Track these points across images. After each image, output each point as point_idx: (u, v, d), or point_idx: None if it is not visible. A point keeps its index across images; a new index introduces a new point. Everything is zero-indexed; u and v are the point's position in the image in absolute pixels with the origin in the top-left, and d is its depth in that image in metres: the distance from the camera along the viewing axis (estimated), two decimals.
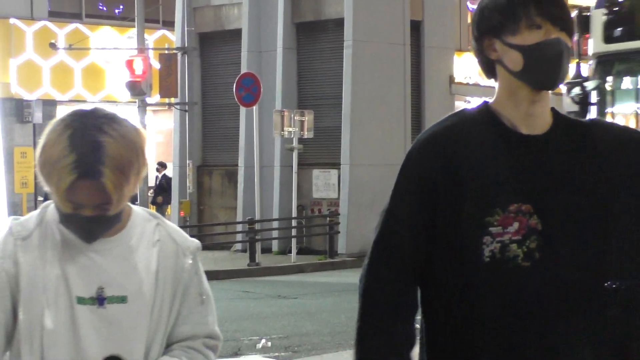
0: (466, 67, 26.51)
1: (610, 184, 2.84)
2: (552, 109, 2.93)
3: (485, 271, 2.77)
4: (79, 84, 30.40)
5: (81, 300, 2.75)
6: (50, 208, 2.84)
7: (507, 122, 2.86)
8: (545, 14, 2.80)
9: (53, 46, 27.21)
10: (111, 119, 2.74)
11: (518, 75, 2.83)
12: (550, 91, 2.88)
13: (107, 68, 30.74)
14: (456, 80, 26.51)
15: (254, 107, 23.02)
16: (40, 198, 25.30)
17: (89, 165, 2.66)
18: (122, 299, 2.77)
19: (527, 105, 2.86)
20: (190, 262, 2.88)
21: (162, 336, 2.83)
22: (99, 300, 2.76)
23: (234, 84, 23.22)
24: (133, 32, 26.72)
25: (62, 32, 30.45)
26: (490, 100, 2.93)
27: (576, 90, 11.92)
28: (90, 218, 2.72)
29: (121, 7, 32.25)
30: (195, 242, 2.94)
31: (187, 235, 2.96)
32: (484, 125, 2.87)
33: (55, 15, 30.91)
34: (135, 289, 2.79)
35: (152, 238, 2.86)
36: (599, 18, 9.95)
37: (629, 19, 9.70)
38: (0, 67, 29.62)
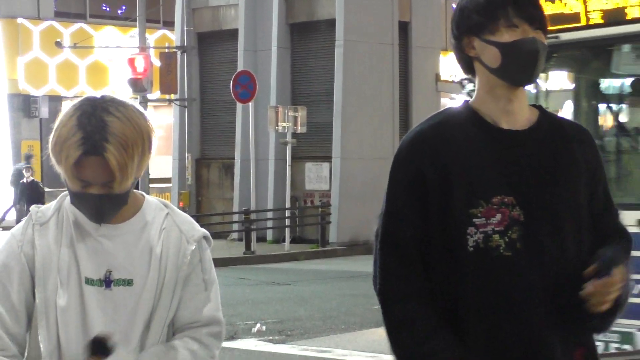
0: (452, 65, 26.49)
1: (581, 176, 2.88)
2: (539, 107, 2.95)
3: (470, 260, 2.78)
4: (84, 80, 30.34)
5: (89, 282, 2.78)
6: (67, 197, 2.87)
7: (488, 119, 2.87)
8: (522, 15, 2.81)
9: (59, 45, 27.13)
10: (118, 102, 2.78)
11: (496, 71, 2.84)
12: (526, 87, 2.90)
13: (110, 66, 30.68)
14: (442, 78, 26.49)
15: (250, 103, 22.99)
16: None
17: (94, 142, 2.69)
18: (129, 282, 2.79)
19: (505, 101, 2.87)
20: (193, 248, 2.87)
21: (163, 320, 2.82)
22: (106, 282, 2.78)
23: (231, 81, 23.17)
24: (135, 31, 26.67)
25: (67, 31, 30.38)
26: (471, 99, 2.94)
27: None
28: (98, 196, 2.74)
29: (123, 7, 32.17)
30: (202, 231, 2.93)
31: (195, 225, 2.94)
32: (467, 122, 2.87)
33: (61, 15, 30.84)
34: (141, 273, 2.80)
35: (160, 226, 2.86)
36: None
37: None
38: (9, 65, 29.55)
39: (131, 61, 23.74)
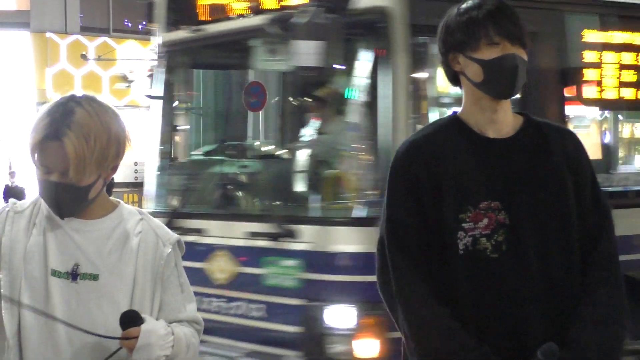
0: None
1: (565, 179, 2.87)
2: (525, 114, 2.95)
3: (461, 262, 2.79)
4: (107, 90, 30.39)
5: (56, 273, 2.68)
6: None
7: (475, 128, 2.88)
8: (502, 33, 2.81)
9: (84, 57, 27.17)
10: (94, 99, 2.71)
11: (479, 86, 2.85)
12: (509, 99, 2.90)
13: (131, 77, 30.71)
14: None
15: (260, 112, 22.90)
16: None
17: (56, 127, 2.63)
18: (94, 277, 2.69)
19: (490, 111, 2.87)
20: (169, 251, 2.79)
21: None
22: (73, 275, 2.69)
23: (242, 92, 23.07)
24: (155, 45, 26.67)
25: (92, 44, 30.45)
26: (459, 110, 2.95)
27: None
28: (54, 184, 2.64)
29: (144, 23, 32.22)
30: (176, 235, 2.85)
31: (169, 230, 2.86)
32: (455, 132, 2.88)
33: (87, 30, 30.91)
34: (107, 270, 2.70)
35: (134, 229, 2.77)
36: (162, 2, 7.73)
37: (187, 3, 7.23)
38: (38, 75, 29.63)
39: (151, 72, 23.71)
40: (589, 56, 6.66)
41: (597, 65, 6.69)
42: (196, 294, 2.92)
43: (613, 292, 2.84)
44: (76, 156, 2.62)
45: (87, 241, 2.72)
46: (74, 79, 30.00)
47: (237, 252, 6.33)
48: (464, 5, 2.87)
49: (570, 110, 6.70)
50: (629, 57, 6.85)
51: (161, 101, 7.50)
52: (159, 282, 2.75)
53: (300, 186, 6.40)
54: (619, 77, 6.76)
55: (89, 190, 2.69)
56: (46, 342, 2.67)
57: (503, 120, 2.88)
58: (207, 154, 7.62)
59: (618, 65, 6.78)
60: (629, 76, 6.82)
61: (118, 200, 2.84)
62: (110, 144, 2.69)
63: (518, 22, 2.84)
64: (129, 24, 32.70)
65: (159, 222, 2.86)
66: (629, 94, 6.84)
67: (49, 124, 2.64)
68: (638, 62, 6.88)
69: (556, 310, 2.81)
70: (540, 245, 2.80)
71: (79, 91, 2.77)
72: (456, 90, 3.00)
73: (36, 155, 2.66)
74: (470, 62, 2.84)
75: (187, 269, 2.88)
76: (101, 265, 2.70)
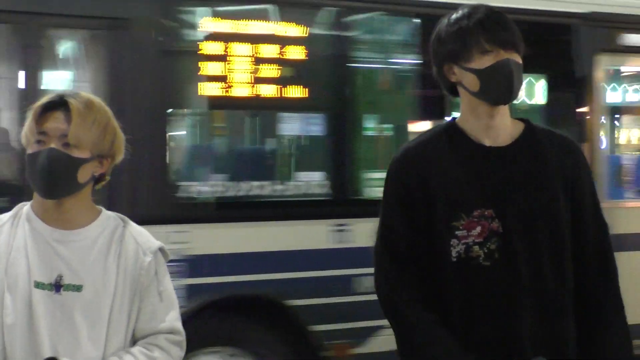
0: None
1: (558, 189, 2.86)
2: (526, 121, 2.95)
3: (454, 269, 2.79)
4: None
5: (40, 285, 2.68)
6: (25, 207, 2.80)
7: (471, 136, 2.89)
8: (493, 41, 2.81)
9: None
10: (78, 93, 2.76)
11: (476, 94, 2.85)
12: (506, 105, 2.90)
13: None
14: None
15: None
16: None
17: (61, 95, 2.70)
18: (78, 288, 2.69)
19: (487, 118, 2.87)
20: (149, 260, 2.78)
21: (123, 330, 2.72)
22: (56, 287, 2.68)
23: None
24: None
25: None
26: (457, 117, 2.95)
27: None
28: (51, 150, 2.65)
29: None
30: (158, 243, 2.84)
31: (151, 237, 2.85)
32: (451, 139, 2.89)
33: None
34: (91, 280, 2.70)
35: (115, 237, 2.77)
36: None
37: None
38: None
39: None
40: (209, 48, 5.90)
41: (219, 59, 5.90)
42: None
43: (617, 304, 2.90)
44: (79, 115, 2.66)
45: (70, 252, 2.72)
46: None
47: None
48: (454, 15, 2.88)
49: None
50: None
51: None
52: (138, 291, 2.74)
53: None
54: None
55: (80, 165, 2.69)
56: (30, 356, 2.66)
57: (500, 127, 2.88)
58: None
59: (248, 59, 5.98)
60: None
61: (101, 208, 2.83)
62: (107, 129, 2.72)
63: (509, 27, 2.84)
64: None
65: (140, 229, 2.85)
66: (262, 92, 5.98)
67: (54, 95, 2.71)
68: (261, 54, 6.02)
69: (547, 319, 2.81)
70: (533, 253, 2.80)
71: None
72: None
73: (34, 124, 2.68)
74: (465, 73, 2.84)
75: None
76: (85, 276, 2.70)
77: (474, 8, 2.87)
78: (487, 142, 2.87)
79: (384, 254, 2.86)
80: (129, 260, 2.75)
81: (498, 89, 2.83)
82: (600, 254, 2.90)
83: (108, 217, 2.80)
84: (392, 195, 2.88)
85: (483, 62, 2.81)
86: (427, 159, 2.86)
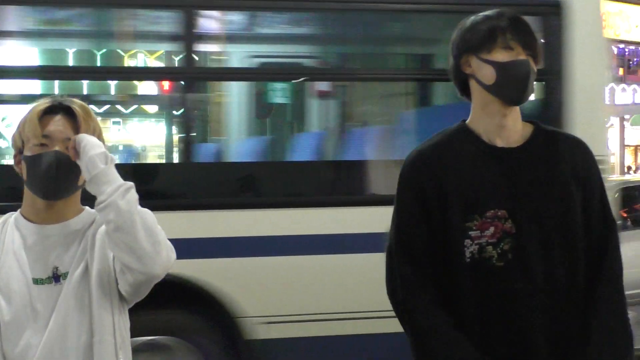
0: None
1: (571, 190, 2.88)
2: (535, 123, 2.97)
3: (467, 270, 2.81)
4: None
5: (38, 281, 2.73)
6: (13, 215, 2.85)
7: (483, 137, 2.90)
8: (518, 39, 2.85)
9: None
10: (71, 99, 2.81)
11: (490, 88, 2.87)
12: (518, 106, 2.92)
13: (139, 85, 30.75)
14: None
15: None
16: None
17: (59, 100, 2.76)
18: (65, 275, 2.74)
19: (499, 117, 2.89)
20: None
21: (108, 309, 2.75)
22: (55, 278, 2.74)
23: None
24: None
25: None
26: (468, 119, 2.96)
27: None
28: (57, 153, 2.70)
29: None
30: None
31: None
32: (463, 141, 2.91)
33: None
34: (81, 267, 2.74)
35: (97, 224, 2.80)
36: None
37: None
38: None
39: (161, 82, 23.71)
40: None
41: None
42: None
43: (618, 308, 2.87)
44: (83, 121, 2.74)
45: (59, 243, 2.77)
46: None
47: None
48: (480, 15, 2.93)
49: None
50: None
51: None
52: (105, 253, 2.76)
53: None
54: None
55: (78, 176, 2.75)
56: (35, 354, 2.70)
57: (512, 127, 2.90)
58: None
59: None
60: None
61: (86, 207, 2.87)
62: (101, 132, 2.80)
63: (533, 35, 2.89)
64: None
65: None
66: None
67: (51, 100, 2.77)
68: None
69: (560, 320, 2.82)
70: (546, 254, 2.82)
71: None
72: None
73: (35, 127, 2.72)
74: (483, 64, 2.86)
75: None
76: (74, 264, 2.74)
77: (501, 12, 2.92)
78: (499, 143, 2.89)
79: (401, 257, 2.86)
80: (99, 239, 2.78)
81: (512, 86, 2.85)
82: (604, 252, 2.90)
83: (89, 212, 2.85)
84: (406, 197, 2.89)
85: (503, 56, 2.84)
86: (440, 161, 2.87)
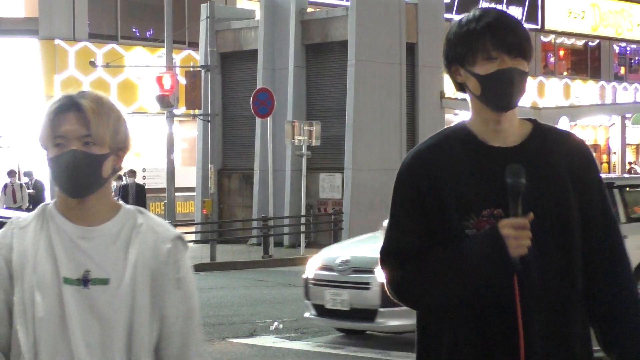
0: None
1: (567, 188, 2.87)
2: (534, 121, 2.96)
3: None
4: (115, 97, 30.45)
5: (68, 281, 2.72)
6: (49, 206, 2.84)
7: (480, 137, 2.90)
8: (500, 46, 2.81)
9: (92, 64, 27.24)
10: (85, 92, 2.81)
11: (479, 98, 2.87)
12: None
13: (140, 83, 30.79)
14: (446, 96, 26.45)
15: (268, 118, 23.10)
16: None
17: (70, 97, 2.75)
18: (104, 282, 2.73)
19: (493, 122, 2.89)
20: (169, 247, 2.79)
21: (145, 324, 2.74)
22: (84, 281, 2.72)
23: (251, 98, 23.28)
24: (162, 52, 26.78)
25: (100, 51, 30.54)
26: (467, 119, 2.96)
27: None
28: (75, 152, 2.70)
29: (152, 30, 32.30)
30: (175, 232, 2.86)
31: (169, 227, 2.87)
32: (461, 141, 2.90)
33: (95, 36, 30.99)
34: (117, 273, 2.74)
35: (135, 229, 2.79)
36: None
37: None
38: (46, 82, 29.72)
39: (159, 79, 23.78)
40: None
41: None
42: None
43: (630, 297, 2.90)
44: (94, 115, 2.72)
45: (94, 247, 2.76)
46: (82, 85, 30.00)
47: None
48: (464, 18, 2.88)
49: None
50: None
51: None
52: (156, 279, 2.77)
53: None
54: None
55: (103, 161, 2.75)
56: (63, 354, 2.71)
57: (508, 129, 2.90)
58: None
59: None
60: None
61: (121, 203, 2.88)
62: (120, 120, 2.78)
63: (518, 32, 2.85)
64: (137, 31, 32.75)
65: (159, 220, 2.88)
66: None
67: (63, 98, 2.76)
68: None
69: (555, 318, 2.83)
70: (542, 253, 2.82)
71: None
72: None
73: (51, 129, 2.74)
74: (469, 76, 2.86)
75: None
76: (110, 270, 2.74)
77: (485, 11, 2.87)
78: (496, 144, 2.89)
79: (388, 250, 2.88)
80: (147, 251, 2.77)
81: (498, 96, 2.84)
82: (609, 250, 2.90)
83: (127, 211, 2.84)
84: (403, 198, 2.89)
85: (486, 68, 2.82)
86: (438, 162, 2.87)
